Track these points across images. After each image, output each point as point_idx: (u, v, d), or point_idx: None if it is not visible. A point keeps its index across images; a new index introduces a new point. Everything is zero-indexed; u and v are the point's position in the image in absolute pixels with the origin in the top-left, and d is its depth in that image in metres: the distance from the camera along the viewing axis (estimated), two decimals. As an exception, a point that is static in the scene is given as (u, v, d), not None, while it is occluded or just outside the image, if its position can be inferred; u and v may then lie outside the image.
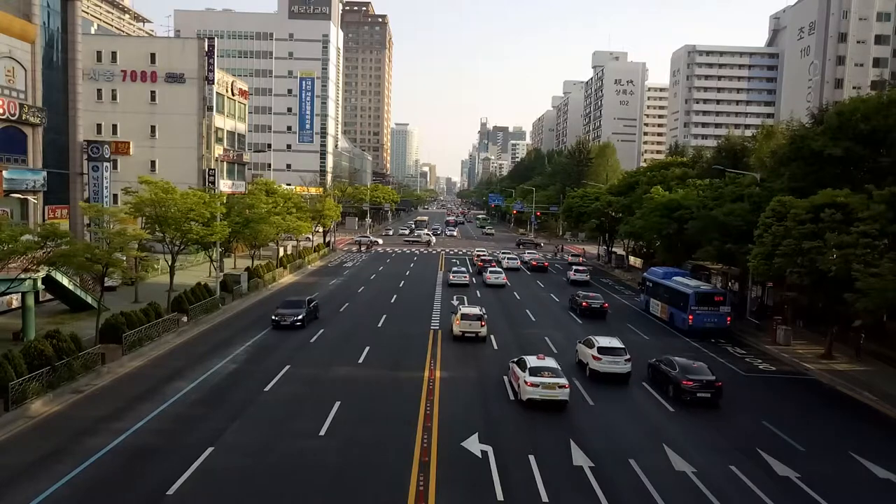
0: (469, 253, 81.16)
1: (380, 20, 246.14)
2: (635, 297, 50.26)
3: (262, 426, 20.97)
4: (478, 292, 50.96)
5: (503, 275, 54.97)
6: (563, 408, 23.51)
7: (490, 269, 56.33)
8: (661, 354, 29.34)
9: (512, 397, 24.71)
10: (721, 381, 25.15)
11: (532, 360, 24.66)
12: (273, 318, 35.58)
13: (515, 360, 26.36)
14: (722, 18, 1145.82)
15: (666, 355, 27.93)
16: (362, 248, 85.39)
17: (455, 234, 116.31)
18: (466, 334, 33.83)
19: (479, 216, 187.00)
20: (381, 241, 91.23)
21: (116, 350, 27.62)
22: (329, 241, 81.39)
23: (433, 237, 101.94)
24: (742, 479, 18.37)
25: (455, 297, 47.74)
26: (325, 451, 19.14)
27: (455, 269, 56.52)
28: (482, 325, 33.89)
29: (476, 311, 34.89)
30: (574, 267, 60.70)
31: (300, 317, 35.58)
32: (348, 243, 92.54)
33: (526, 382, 23.40)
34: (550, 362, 24.56)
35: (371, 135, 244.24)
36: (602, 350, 27.63)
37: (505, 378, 26.93)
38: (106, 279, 31.03)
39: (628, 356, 27.63)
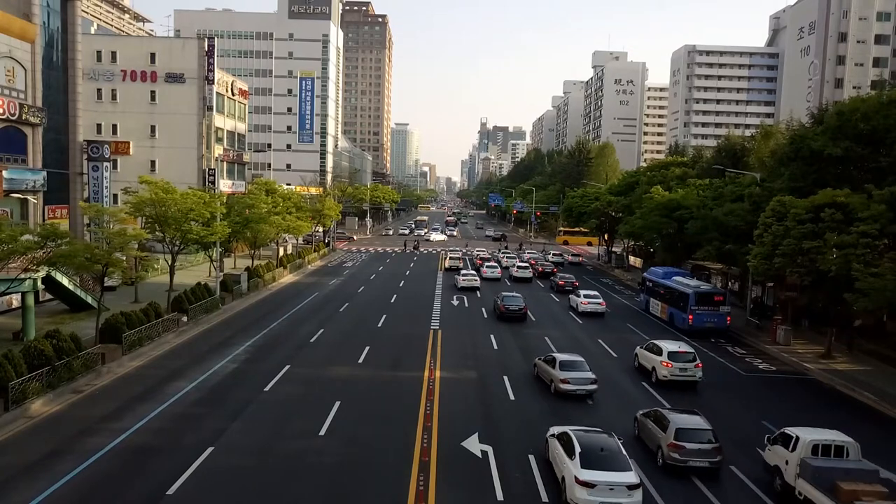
0: (469, 252, 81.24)
1: (380, 20, 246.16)
2: (635, 297, 50.30)
3: (262, 426, 20.97)
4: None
5: (498, 268, 61.30)
6: (476, 290, 50.70)
7: (486, 264, 61.89)
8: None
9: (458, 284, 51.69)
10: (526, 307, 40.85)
11: (462, 274, 53.22)
12: None
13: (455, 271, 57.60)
14: (722, 18, 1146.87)
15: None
16: (414, 249, 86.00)
17: (455, 233, 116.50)
18: (453, 267, 61.75)
19: (455, 210, 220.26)
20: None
21: (116, 350, 27.61)
22: (329, 241, 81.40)
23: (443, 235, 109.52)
24: (742, 479, 18.40)
25: (455, 298, 47.93)
26: (325, 451, 19.15)
27: (451, 250, 73.42)
28: (460, 262, 63.67)
29: (459, 255, 67.52)
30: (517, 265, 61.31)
31: None
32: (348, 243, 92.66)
33: (461, 279, 52.01)
34: (472, 270, 56.15)
35: (371, 135, 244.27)
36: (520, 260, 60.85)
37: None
38: (106, 279, 31.00)
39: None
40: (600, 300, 43.73)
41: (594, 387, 24.76)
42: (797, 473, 16.81)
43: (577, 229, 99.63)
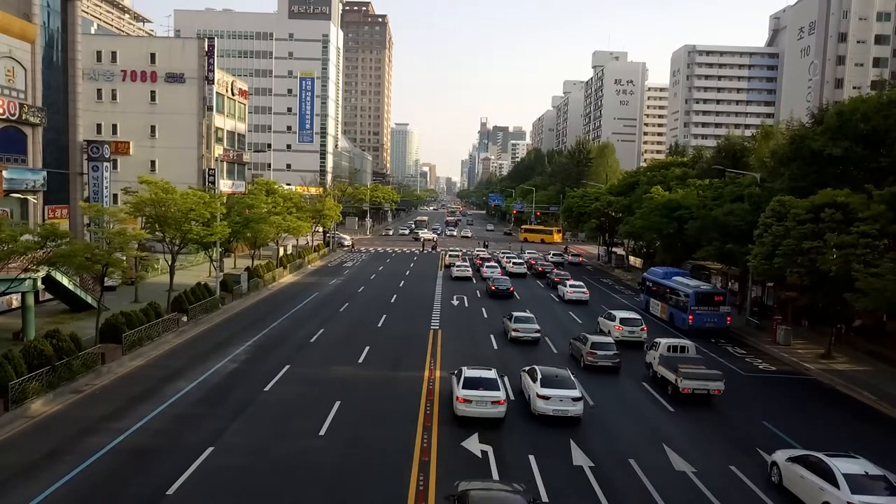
0: (470, 252, 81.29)
1: (380, 20, 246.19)
2: (635, 297, 50.29)
3: (262, 426, 20.96)
4: (474, 279, 56.37)
5: (498, 268, 61.89)
6: (470, 280, 56.59)
7: (487, 264, 62.70)
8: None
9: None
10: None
11: (457, 266, 59.12)
12: None
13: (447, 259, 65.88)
14: (722, 18, 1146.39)
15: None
16: (432, 249, 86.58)
17: (455, 234, 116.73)
18: (452, 264, 62.53)
19: (451, 210, 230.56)
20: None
21: (116, 350, 27.60)
22: (329, 241, 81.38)
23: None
24: (742, 479, 18.39)
25: (455, 298, 47.97)
26: (325, 451, 19.13)
27: (451, 250, 74.13)
28: (461, 259, 65.59)
29: (458, 253, 68.96)
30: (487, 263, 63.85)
31: None
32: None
33: (455, 269, 58.21)
34: (466, 263, 62.20)
35: (371, 135, 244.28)
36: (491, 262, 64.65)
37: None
38: (106, 279, 30.98)
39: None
40: (584, 289, 48.57)
41: (538, 335, 33.84)
42: (658, 363, 27.22)
43: (536, 227, 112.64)
